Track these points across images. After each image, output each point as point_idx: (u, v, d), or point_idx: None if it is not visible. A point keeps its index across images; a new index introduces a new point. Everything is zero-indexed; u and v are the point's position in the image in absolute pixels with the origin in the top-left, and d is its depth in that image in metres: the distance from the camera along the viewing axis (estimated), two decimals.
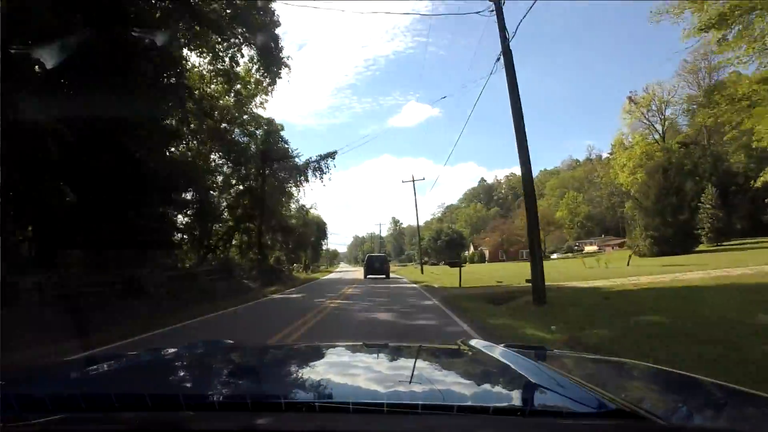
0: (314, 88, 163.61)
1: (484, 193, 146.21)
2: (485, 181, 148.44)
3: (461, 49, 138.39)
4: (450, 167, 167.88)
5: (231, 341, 2.20)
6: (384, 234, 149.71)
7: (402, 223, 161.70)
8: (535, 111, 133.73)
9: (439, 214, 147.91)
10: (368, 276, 31.81)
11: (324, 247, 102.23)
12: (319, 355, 2.05)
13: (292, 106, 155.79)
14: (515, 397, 1.30)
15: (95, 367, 1.74)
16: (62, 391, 1.25)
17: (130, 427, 1.03)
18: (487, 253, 75.72)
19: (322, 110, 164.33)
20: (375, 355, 1.96)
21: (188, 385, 1.57)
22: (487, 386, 1.50)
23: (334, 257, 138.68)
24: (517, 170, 12.72)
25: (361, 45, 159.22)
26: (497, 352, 1.71)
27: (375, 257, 35.43)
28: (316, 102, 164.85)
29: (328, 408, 1.02)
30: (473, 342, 2.03)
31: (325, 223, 62.12)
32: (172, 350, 1.94)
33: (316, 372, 1.70)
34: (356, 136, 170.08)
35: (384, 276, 31.83)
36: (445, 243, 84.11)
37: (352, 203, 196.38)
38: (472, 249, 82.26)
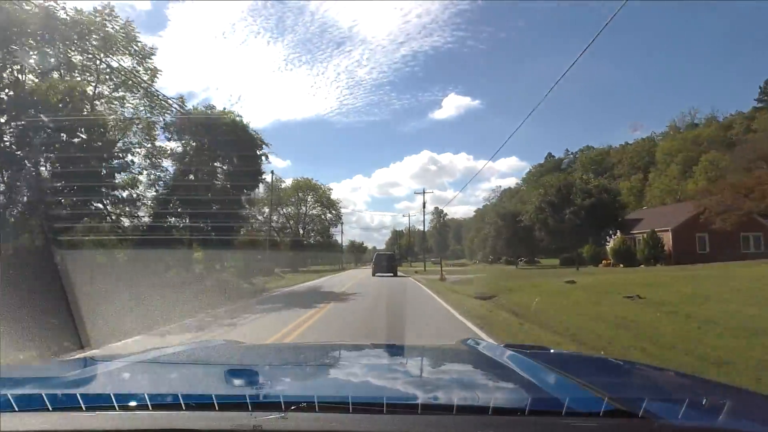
0: (353, 86, 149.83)
1: (555, 171, 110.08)
2: (553, 156, 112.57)
3: (501, 41, 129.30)
4: (491, 162, 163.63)
5: (232, 340, 2.35)
6: (421, 228, 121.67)
7: (446, 214, 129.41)
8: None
9: (494, 200, 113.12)
10: (377, 274, 31.37)
11: (334, 235, 73.76)
12: (320, 354, 2.11)
13: (333, 105, 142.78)
14: (515, 397, 1.29)
15: (95, 367, 1.73)
16: (62, 391, 1.25)
17: (130, 427, 1.00)
18: (668, 239, 32.68)
19: (360, 107, 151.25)
20: (375, 355, 2.09)
21: (188, 384, 1.51)
22: (486, 386, 1.48)
23: (362, 252, 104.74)
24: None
25: (399, 41, 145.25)
26: (497, 352, 1.83)
27: (383, 256, 35.48)
28: (355, 99, 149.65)
29: (327, 407, 1.01)
30: (474, 342, 2.23)
31: (258, 139, 21.23)
32: (171, 350, 2.02)
33: (316, 371, 1.73)
34: (395, 132, 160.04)
35: (391, 274, 31.48)
36: (586, 212, 37.28)
37: (393, 199, 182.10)
38: (619, 234, 38.06)
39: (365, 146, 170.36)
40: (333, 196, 73.32)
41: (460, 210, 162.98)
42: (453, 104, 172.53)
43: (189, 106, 20.04)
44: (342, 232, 76.49)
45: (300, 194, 71.13)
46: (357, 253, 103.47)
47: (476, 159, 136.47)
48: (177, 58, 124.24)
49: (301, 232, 71.10)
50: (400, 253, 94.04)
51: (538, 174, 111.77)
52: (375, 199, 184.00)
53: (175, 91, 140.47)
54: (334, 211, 74.87)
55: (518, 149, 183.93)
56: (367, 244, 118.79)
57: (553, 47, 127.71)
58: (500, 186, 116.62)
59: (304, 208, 72.25)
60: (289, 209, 71.39)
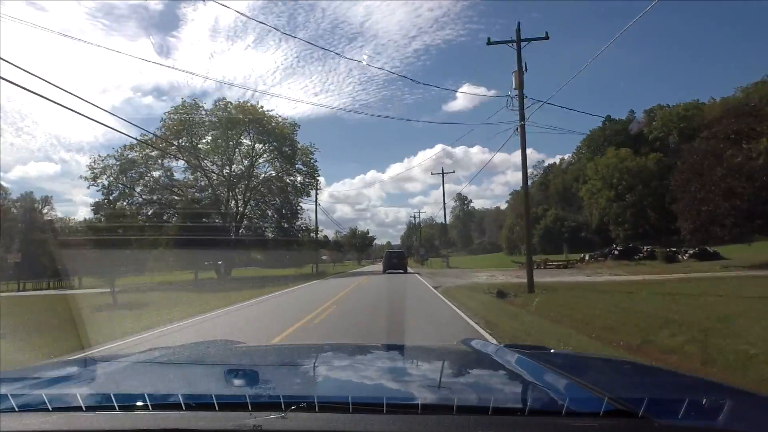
0: (365, 82, 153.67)
1: (620, 136, 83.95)
2: (612, 119, 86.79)
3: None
4: (507, 155, 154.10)
5: (232, 340, 2.31)
6: (441, 219, 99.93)
7: (470, 201, 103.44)
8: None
9: (538, 178, 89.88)
10: (387, 271, 32.89)
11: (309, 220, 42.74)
12: (320, 354, 2.09)
13: (346, 101, 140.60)
14: (514, 397, 1.29)
15: (95, 367, 1.75)
16: (62, 391, 1.28)
17: (130, 427, 1.01)
18: None
19: (373, 102, 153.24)
20: (375, 355, 2.06)
21: (188, 384, 1.51)
22: (486, 386, 1.48)
23: (367, 245, 78.31)
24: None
25: (411, 36, 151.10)
26: (497, 352, 1.78)
27: (393, 253, 37.33)
28: (368, 95, 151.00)
29: (327, 407, 1.01)
30: (473, 342, 2.19)
31: None
32: (171, 349, 2.02)
33: (316, 371, 1.73)
34: (409, 127, 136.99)
35: (402, 271, 32.63)
36: None
37: (408, 194, 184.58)
38: None
39: (378, 142, 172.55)
40: (301, 139, 39.04)
41: (477, 204, 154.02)
42: (467, 96, 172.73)
43: None
44: (317, 203, 45.32)
45: (236, 134, 33.90)
46: (360, 247, 74.46)
47: (492, 151, 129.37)
48: (190, 58, 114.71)
49: (239, 204, 37.29)
50: (425, 246, 67.62)
51: (597, 142, 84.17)
52: (389, 195, 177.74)
53: (189, 90, 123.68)
54: (305, 169, 39.33)
55: (534, 141, 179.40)
56: (381, 240, 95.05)
57: (567, 37, 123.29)
58: (543, 161, 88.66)
59: (244, 161, 35.17)
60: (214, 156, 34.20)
